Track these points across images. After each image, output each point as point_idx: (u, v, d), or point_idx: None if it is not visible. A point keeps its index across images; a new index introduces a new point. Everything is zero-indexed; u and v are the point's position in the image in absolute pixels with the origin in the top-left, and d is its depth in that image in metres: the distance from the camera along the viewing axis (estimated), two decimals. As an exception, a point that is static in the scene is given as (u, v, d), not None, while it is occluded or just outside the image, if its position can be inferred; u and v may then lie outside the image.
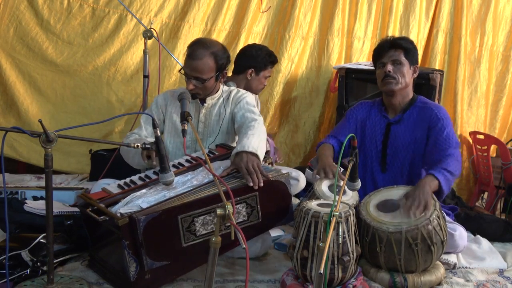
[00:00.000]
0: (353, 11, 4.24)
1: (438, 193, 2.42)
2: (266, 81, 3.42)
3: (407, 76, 2.63)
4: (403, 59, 2.61)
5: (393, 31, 4.23)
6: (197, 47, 2.54)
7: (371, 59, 2.82)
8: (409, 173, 2.68)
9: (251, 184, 2.16)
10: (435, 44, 4.23)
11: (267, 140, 2.82)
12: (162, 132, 2.72)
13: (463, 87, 4.19)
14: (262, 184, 2.18)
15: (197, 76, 2.53)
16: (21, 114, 3.92)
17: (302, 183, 3.36)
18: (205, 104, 2.66)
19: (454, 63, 4.16)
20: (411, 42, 2.69)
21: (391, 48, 2.62)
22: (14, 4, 3.87)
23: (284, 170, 3.43)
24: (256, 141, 2.32)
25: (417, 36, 4.21)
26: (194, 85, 2.55)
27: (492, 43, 4.25)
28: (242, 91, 2.77)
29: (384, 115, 2.74)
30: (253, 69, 3.30)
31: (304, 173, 3.45)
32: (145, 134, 2.63)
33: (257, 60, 3.31)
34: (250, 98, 2.71)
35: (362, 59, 4.24)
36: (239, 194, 2.16)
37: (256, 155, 2.26)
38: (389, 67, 2.60)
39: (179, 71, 2.62)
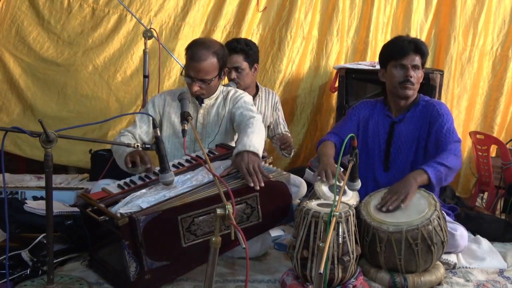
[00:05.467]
0: (353, 12, 4.24)
1: (429, 186, 2.46)
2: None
3: (420, 81, 2.66)
4: (420, 64, 2.62)
5: (392, 31, 4.24)
6: (199, 48, 2.51)
7: (370, 59, 2.81)
8: (411, 172, 2.68)
9: (252, 185, 2.16)
10: (430, 44, 4.24)
11: None
12: None
13: (453, 86, 4.20)
14: (262, 185, 2.17)
15: (203, 77, 2.52)
16: (25, 111, 3.96)
17: (303, 190, 3.34)
18: (203, 105, 2.65)
19: (450, 62, 4.17)
20: (427, 47, 2.69)
21: (414, 52, 2.59)
22: (15, 5, 3.90)
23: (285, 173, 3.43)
24: (256, 139, 2.31)
25: (417, 37, 4.21)
26: (199, 86, 2.54)
27: (487, 43, 4.25)
28: (240, 91, 2.76)
29: (387, 114, 2.75)
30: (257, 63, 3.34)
31: (304, 173, 3.44)
32: (139, 132, 2.62)
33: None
34: (247, 97, 2.71)
35: (362, 59, 4.25)
36: (239, 195, 2.15)
37: (256, 154, 2.26)
38: (412, 73, 2.59)
39: (181, 74, 2.59)
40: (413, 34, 4.16)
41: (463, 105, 4.27)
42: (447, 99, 4.14)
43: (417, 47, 2.60)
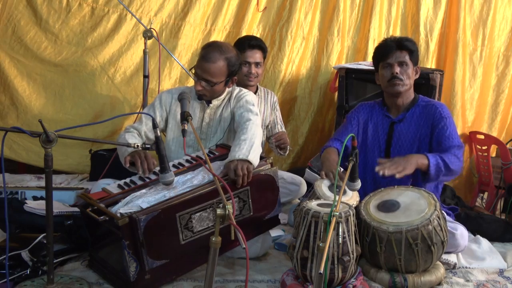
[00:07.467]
0: (354, 12, 4.25)
1: (425, 175, 2.50)
2: None
3: (411, 77, 2.67)
4: (408, 60, 2.64)
5: (393, 31, 4.23)
6: (212, 50, 2.54)
7: (371, 59, 2.82)
8: (412, 172, 2.68)
9: (239, 186, 2.20)
10: (436, 44, 4.23)
11: None
12: (163, 130, 2.73)
13: (463, 87, 4.19)
14: (245, 183, 2.21)
15: (208, 78, 2.54)
16: (20, 114, 3.90)
17: (303, 189, 3.36)
18: (211, 105, 2.67)
19: (455, 63, 4.16)
20: (415, 44, 2.72)
21: (397, 49, 2.64)
22: (13, 4, 3.86)
23: (286, 175, 3.44)
24: (248, 147, 2.30)
25: (419, 36, 4.20)
26: (203, 86, 2.57)
27: (493, 43, 4.25)
28: (244, 90, 2.77)
29: (386, 115, 2.75)
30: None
31: (304, 173, 3.45)
32: (145, 129, 2.63)
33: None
34: (250, 96, 2.72)
35: (363, 59, 4.24)
36: (232, 189, 2.16)
37: (246, 161, 2.25)
38: (397, 69, 2.62)
39: (191, 69, 2.64)
40: (422, 33, 4.17)
41: (475, 106, 4.27)
42: (459, 101, 4.14)
43: (399, 43, 2.64)
